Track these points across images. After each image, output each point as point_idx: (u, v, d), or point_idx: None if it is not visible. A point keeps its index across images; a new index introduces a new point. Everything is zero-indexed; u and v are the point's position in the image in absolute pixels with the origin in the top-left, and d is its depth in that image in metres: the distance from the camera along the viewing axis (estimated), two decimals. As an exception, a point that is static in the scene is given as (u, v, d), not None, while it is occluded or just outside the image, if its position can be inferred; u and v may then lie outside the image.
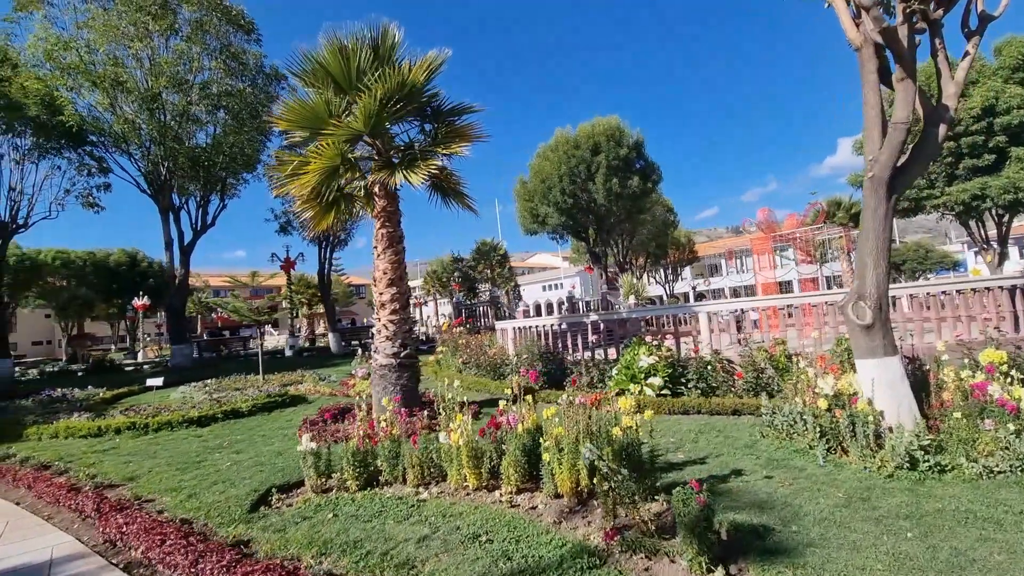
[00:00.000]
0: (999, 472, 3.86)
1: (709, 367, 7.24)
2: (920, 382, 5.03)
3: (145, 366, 19.32)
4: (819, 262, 24.83)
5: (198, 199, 18.54)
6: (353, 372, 12.21)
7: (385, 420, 4.98)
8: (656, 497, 3.91)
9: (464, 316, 20.14)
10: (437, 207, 8.38)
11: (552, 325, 11.11)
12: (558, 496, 4.07)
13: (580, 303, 28.41)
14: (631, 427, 3.96)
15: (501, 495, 4.24)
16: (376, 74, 6.68)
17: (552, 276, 72.32)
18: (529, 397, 4.78)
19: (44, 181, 17.66)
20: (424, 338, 23.90)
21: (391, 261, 7.58)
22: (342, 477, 4.69)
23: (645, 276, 50.91)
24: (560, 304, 37.79)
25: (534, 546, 3.25)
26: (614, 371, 8.03)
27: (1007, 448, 3.94)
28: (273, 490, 4.69)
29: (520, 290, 46.70)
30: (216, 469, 5.50)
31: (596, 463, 3.32)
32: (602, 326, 10.06)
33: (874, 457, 4.21)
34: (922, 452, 4.05)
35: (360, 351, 15.45)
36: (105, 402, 10.23)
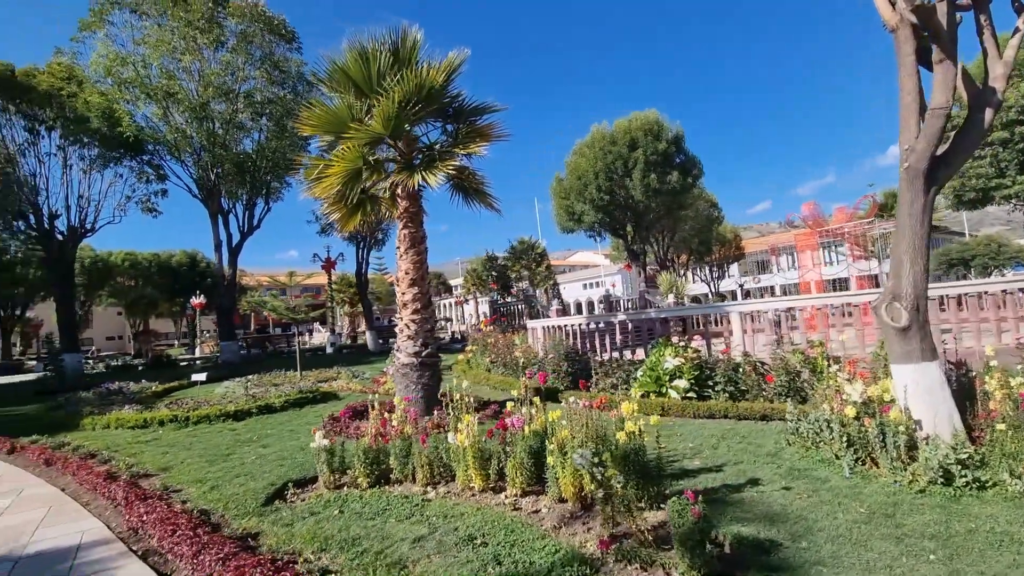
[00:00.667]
0: (1049, 491, 3.50)
1: (738, 370, 6.93)
2: (965, 390, 4.65)
3: (197, 361, 20.49)
4: (878, 258, 23.34)
5: (244, 203, 19.48)
6: (384, 370, 12.49)
7: (396, 419, 5.05)
8: (663, 505, 3.77)
9: (499, 315, 20.18)
10: (458, 206, 8.43)
11: (580, 325, 10.97)
12: (562, 500, 4.00)
13: (617, 301, 27.92)
14: (634, 432, 3.83)
15: (506, 497, 4.21)
16: (396, 77, 6.78)
17: (593, 274, 71.75)
18: (537, 399, 4.73)
19: (108, 188, 19.07)
20: (460, 336, 24.13)
21: (413, 261, 7.68)
22: (354, 475, 4.79)
23: (688, 274, 49.56)
24: (599, 302, 37.24)
25: (527, 551, 3.20)
26: (639, 372, 7.84)
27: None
28: (290, 485, 4.83)
29: (559, 288, 46.45)
30: (242, 462, 5.74)
31: (591, 470, 3.22)
32: (630, 326, 9.83)
33: (905, 470, 3.90)
34: (959, 466, 3.71)
35: (393, 349, 15.78)
36: (156, 395, 10.92)
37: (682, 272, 44.16)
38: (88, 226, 18.99)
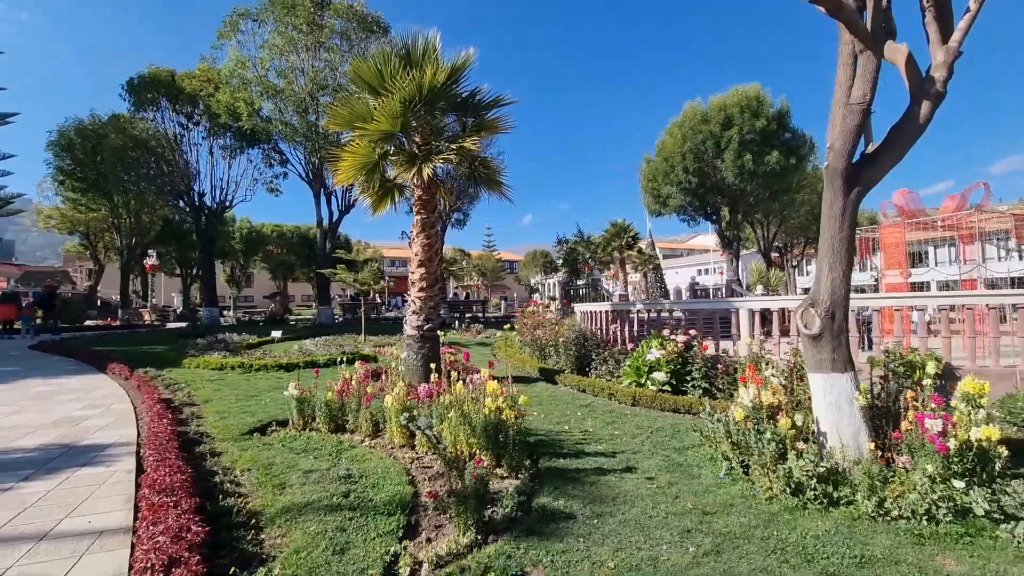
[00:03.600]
0: (899, 517, 3.34)
1: (714, 367, 6.80)
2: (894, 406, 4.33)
3: (297, 322, 23.87)
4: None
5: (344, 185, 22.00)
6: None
7: (355, 379, 5.97)
8: (520, 475, 4.22)
9: (568, 296, 20.51)
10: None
11: (606, 311, 11.10)
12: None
13: (704, 290, 26.50)
14: (495, 410, 4.27)
15: (415, 452, 4.93)
16: (407, 79, 7.55)
17: (705, 260, 68.05)
18: (482, 373, 5.32)
19: (242, 172, 22.76)
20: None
21: (423, 245, 8.52)
22: (318, 422, 5.82)
23: (804, 263, 44.73)
24: (686, 290, 35.50)
25: (376, 491, 3.87)
26: (627, 362, 7.95)
27: (915, 492, 3.36)
28: (274, 423, 6.01)
29: (664, 273, 44.81)
30: (260, 403, 7.12)
31: (426, 432, 3.79)
32: (646, 316, 9.77)
33: (767, 477, 3.89)
34: (814, 480, 3.63)
35: (457, 323, 17.04)
36: (249, 346, 13.28)
37: (795, 262, 40.05)
38: (227, 203, 22.92)
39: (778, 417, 4.13)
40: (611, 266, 45.87)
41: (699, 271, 66.46)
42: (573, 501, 3.69)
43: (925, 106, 3.87)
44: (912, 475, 3.45)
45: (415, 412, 5.05)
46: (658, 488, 3.96)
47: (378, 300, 41.52)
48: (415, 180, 8.40)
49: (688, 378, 7.10)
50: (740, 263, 29.53)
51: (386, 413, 5.32)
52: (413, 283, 8.56)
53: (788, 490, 3.68)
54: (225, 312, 35.93)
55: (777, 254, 43.08)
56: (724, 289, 24.72)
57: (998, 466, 3.49)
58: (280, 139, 20.10)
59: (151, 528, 2.83)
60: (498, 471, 4.32)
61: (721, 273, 51.88)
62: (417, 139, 8.33)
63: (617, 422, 6.01)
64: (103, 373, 9.79)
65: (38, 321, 19.19)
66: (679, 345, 7.35)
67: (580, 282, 28.82)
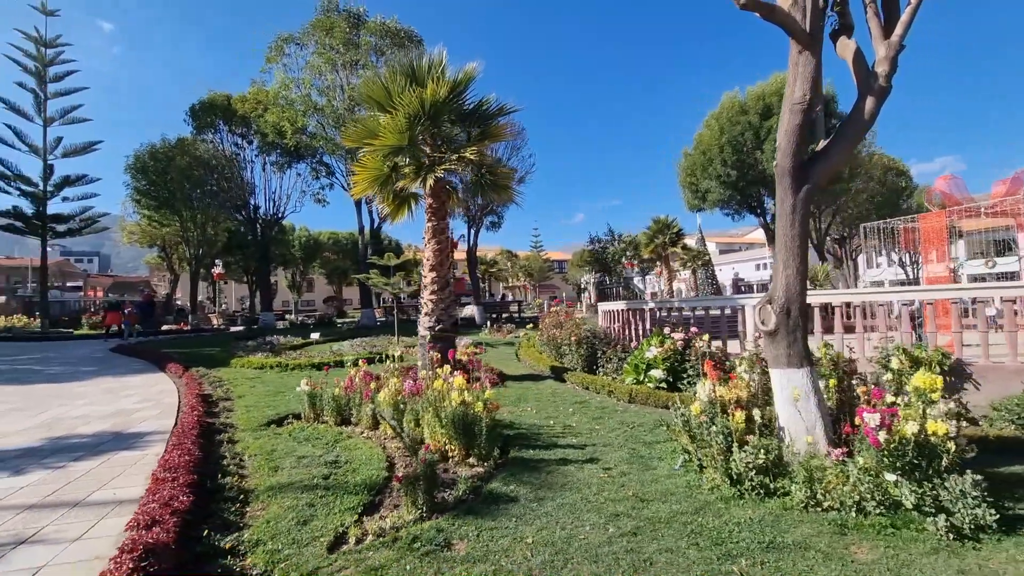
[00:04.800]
0: (830, 508, 3.42)
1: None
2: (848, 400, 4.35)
3: (344, 324, 25.21)
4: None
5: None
6: (465, 342, 14.25)
7: (358, 377, 6.52)
8: (486, 463, 4.57)
9: (602, 295, 20.53)
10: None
11: (622, 310, 11.19)
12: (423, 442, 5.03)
13: (749, 286, 25.60)
14: (463, 403, 4.64)
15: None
16: (412, 94, 8.07)
17: (764, 255, 65.50)
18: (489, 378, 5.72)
19: (292, 185, 24.38)
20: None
21: (434, 250, 9.01)
22: (326, 415, 6.41)
23: (870, 256, 41.93)
24: (730, 285, 34.30)
25: (355, 474, 4.34)
26: (628, 360, 8.08)
27: (848, 484, 3.42)
28: (291, 416, 6.67)
29: (715, 269, 43.50)
30: (284, 399, 7.83)
31: (391, 423, 4.22)
32: (658, 314, 9.80)
33: (716, 470, 4.03)
34: (752, 471, 3.76)
35: (489, 323, 17.51)
36: (292, 348, 14.35)
37: (853, 255, 37.69)
38: (280, 214, 24.61)
39: (733, 411, 4.25)
40: (657, 263, 45.03)
41: (756, 266, 63.87)
42: (522, 487, 4.00)
43: (870, 102, 3.89)
44: (847, 467, 3.51)
45: (402, 407, 5.52)
46: (609, 478, 4.19)
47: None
48: (428, 189, 8.92)
49: (684, 375, 7.16)
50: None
51: (380, 407, 5.82)
52: (425, 286, 9.07)
53: (728, 481, 3.82)
54: (287, 315, 38.43)
55: (837, 246, 40.75)
56: (768, 283, 23.81)
57: (945, 461, 3.48)
58: (324, 152, 21.44)
59: (150, 497, 3.42)
60: (469, 460, 4.69)
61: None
62: (427, 150, 8.83)
63: (604, 418, 6.21)
64: (163, 372, 10.98)
65: (137, 327, 21.52)
66: (677, 343, 7.42)
67: (611, 281, 28.55)
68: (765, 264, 60.05)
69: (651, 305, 10.02)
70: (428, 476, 3.69)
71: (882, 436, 3.38)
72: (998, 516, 3.06)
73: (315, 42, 18.88)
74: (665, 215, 38.19)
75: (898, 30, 3.76)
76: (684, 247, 39.39)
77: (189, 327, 26.24)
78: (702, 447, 4.37)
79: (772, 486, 3.70)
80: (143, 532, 2.83)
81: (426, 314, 8.95)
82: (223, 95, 22.59)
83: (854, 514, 3.34)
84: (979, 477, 3.25)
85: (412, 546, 3.06)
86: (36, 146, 24.40)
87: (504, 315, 22.94)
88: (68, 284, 64.15)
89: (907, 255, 26.75)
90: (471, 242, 23.70)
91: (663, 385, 7.22)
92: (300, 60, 19.55)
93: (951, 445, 3.49)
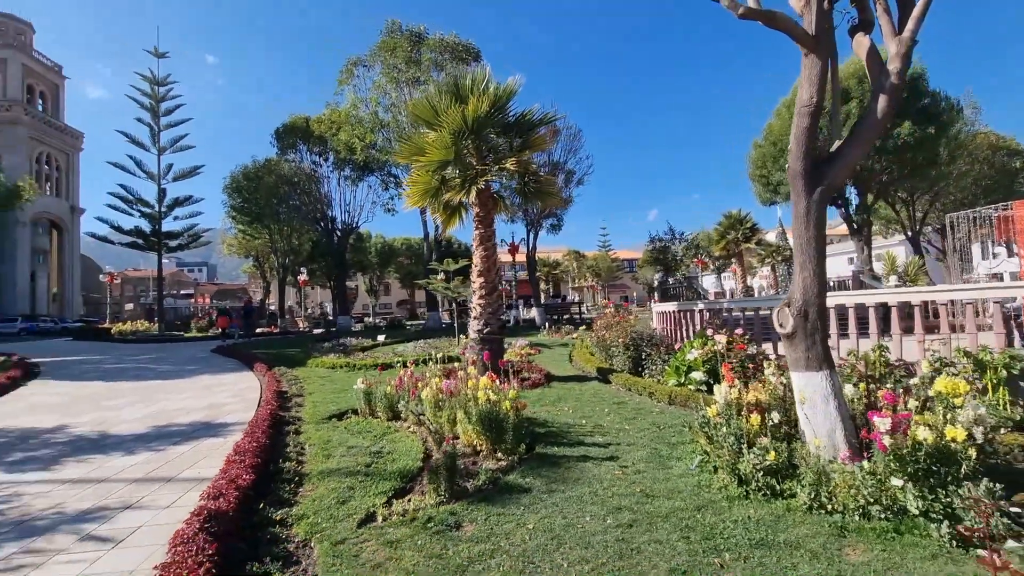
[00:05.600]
0: (833, 511, 3.44)
1: (744, 365, 6.73)
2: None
3: (412, 327, 26.53)
4: None
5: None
6: (520, 342, 14.67)
7: (407, 377, 7.09)
8: (512, 456, 4.91)
9: (665, 294, 20.16)
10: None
11: (673, 311, 11.09)
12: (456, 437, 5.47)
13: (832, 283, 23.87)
14: (488, 400, 5.01)
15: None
16: (455, 110, 8.61)
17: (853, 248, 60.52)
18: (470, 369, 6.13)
19: (365, 196, 26.10)
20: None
21: (481, 256, 9.50)
22: (379, 411, 7.05)
23: (979, 248, 37.41)
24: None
25: (394, 463, 4.85)
26: (670, 362, 8.08)
27: (851, 487, 3.41)
28: (350, 412, 7.39)
29: (789, 265, 40.91)
30: (347, 397, 8.61)
31: (419, 417, 4.67)
32: (707, 315, 9.62)
33: (727, 471, 4.11)
34: (760, 472, 3.81)
35: (547, 324, 17.81)
36: (362, 349, 15.49)
37: (957, 246, 33.77)
38: (354, 224, 26.45)
39: (748, 414, 4.30)
40: (732, 260, 42.95)
41: (849, 260, 59.02)
42: (538, 480, 4.31)
43: (883, 100, 3.81)
44: (853, 471, 3.50)
45: (441, 405, 6.00)
46: (623, 475, 4.39)
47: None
48: (475, 199, 9.43)
49: (724, 378, 7.08)
50: (866, 251, 26.00)
51: (424, 404, 6.35)
52: (473, 291, 9.58)
53: (736, 481, 3.90)
54: (366, 318, 40.97)
55: (939, 236, 36.74)
56: (851, 281, 22.08)
57: (964, 468, 3.37)
58: (391, 165, 22.83)
59: (220, 475, 4.11)
60: (497, 455, 5.05)
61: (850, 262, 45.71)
62: (472, 162, 9.34)
63: (637, 418, 6.34)
64: (251, 371, 12.35)
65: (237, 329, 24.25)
66: (719, 345, 7.34)
67: (673, 280, 27.71)
68: (853, 258, 55.40)
69: (700, 306, 9.86)
70: (449, 466, 4.10)
71: (887, 440, 3.35)
72: (1010, 524, 2.96)
73: (380, 63, 20.23)
74: (738, 209, 36.47)
75: (910, 25, 3.66)
76: (760, 242, 37.38)
77: (278, 330, 28.82)
78: (717, 448, 4.44)
79: (779, 488, 3.74)
80: (211, 502, 3.47)
81: (475, 318, 9.44)
82: (302, 117, 24.80)
83: (858, 518, 3.33)
84: (995, 485, 3.13)
85: (426, 525, 3.48)
86: (152, 172, 28.00)
87: (565, 316, 23.13)
88: (181, 292, 71.91)
89: (1007, 246, 23.71)
90: (530, 245, 24.14)
91: (703, 387, 7.18)
92: (367, 81, 21.08)
93: (972, 452, 3.38)
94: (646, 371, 8.99)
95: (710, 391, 7.14)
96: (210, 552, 2.78)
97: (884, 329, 7.80)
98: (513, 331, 20.68)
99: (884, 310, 7.60)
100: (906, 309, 8.41)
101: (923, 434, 3.34)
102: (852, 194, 23.54)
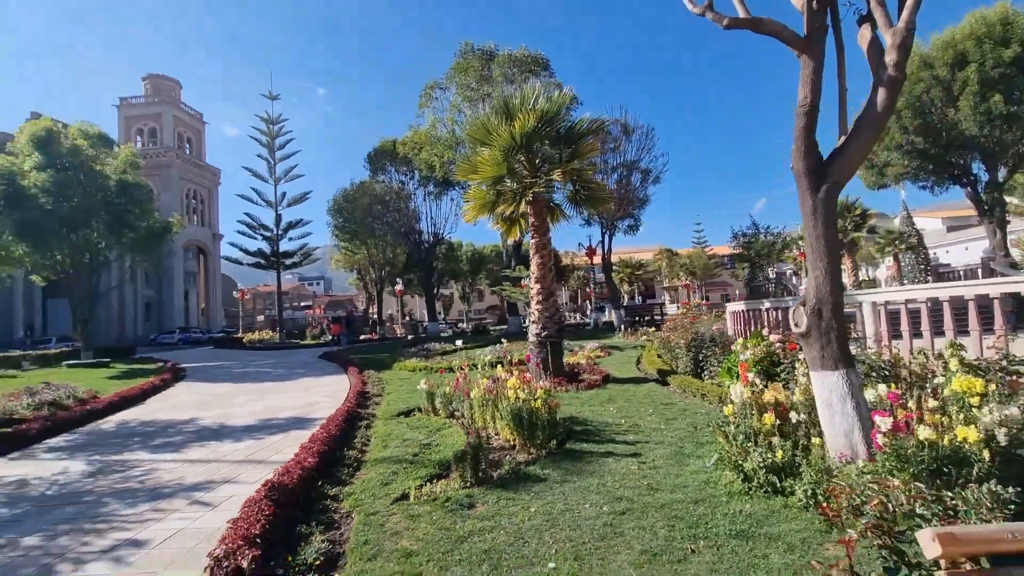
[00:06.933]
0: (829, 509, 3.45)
1: (794, 366, 6.51)
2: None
3: (495, 332, 27.50)
4: None
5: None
6: (590, 347, 14.87)
7: (463, 379, 7.75)
8: (543, 450, 5.32)
9: (748, 293, 19.17)
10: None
11: (742, 311, 10.72)
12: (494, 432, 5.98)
13: (952, 272, 21.07)
14: (517, 398, 5.46)
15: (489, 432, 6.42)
16: (504, 129, 9.20)
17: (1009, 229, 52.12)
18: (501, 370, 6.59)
19: (449, 209, 27.71)
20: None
21: (537, 264, 9.96)
22: (438, 408, 7.78)
23: None
24: (931, 272, 28.10)
25: (440, 453, 5.50)
26: (722, 363, 7.94)
27: (848, 486, 3.40)
28: (416, 410, 8.22)
29: (927, 251, 36.47)
30: (417, 397, 9.47)
31: (454, 414, 5.24)
32: (774, 314, 9.20)
33: (731, 468, 4.20)
34: (765, 471, 3.88)
35: (624, 327, 17.75)
36: (442, 354, 16.60)
37: None
38: (439, 236, 28.17)
39: (762, 413, 4.35)
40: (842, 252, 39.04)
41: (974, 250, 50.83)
42: (556, 471, 4.69)
43: (882, 92, 3.74)
44: (850, 470, 3.48)
45: (486, 403, 6.55)
46: (639, 470, 4.62)
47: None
48: (531, 210, 9.95)
49: (778, 378, 6.88)
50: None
51: (472, 403, 6.95)
52: (531, 297, 10.07)
53: (741, 478, 4.00)
54: (460, 324, 43.10)
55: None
56: (981, 269, 19.31)
57: (975, 470, 3.24)
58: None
59: (292, 459, 5.01)
60: (529, 449, 5.49)
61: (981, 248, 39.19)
62: (525, 174, 9.86)
63: (677, 419, 6.43)
64: (345, 374, 13.86)
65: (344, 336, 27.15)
66: (774, 344, 7.14)
67: (760, 277, 25.81)
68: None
69: (767, 305, 9.46)
70: (473, 456, 4.63)
71: (881, 439, 3.31)
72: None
73: (455, 84, 21.52)
74: (845, 196, 33.24)
75: (905, 15, 3.56)
76: (873, 230, 33.67)
77: (378, 337, 31.45)
78: (730, 446, 4.51)
79: (780, 485, 3.79)
80: (278, 477, 4.32)
81: (533, 322, 9.93)
82: (390, 140, 27.05)
83: (853, 518, 3.32)
84: (1010, 490, 3.00)
85: (444, 504, 4.04)
86: (270, 200, 32.03)
87: (647, 318, 22.72)
88: (301, 304, 79.95)
89: None
90: (606, 247, 24.04)
91: (755, 389, 7.01)
92: (444, 102, 22.50)
93: (986, 454, 3.23)
94: (705, 372, 8.87)
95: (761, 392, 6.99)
96: (267, 513, 3.56)
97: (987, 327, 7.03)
98: (591, 334, 20.81)
99: (966, 304, 6.87)
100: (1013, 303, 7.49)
101: (924, 433, 3.26)
102: (980, 170, 20.58)
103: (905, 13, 3.57)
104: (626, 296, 49.84)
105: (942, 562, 1.70)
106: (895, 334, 6.95)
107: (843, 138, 4.05)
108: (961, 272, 21.23)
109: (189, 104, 57.73)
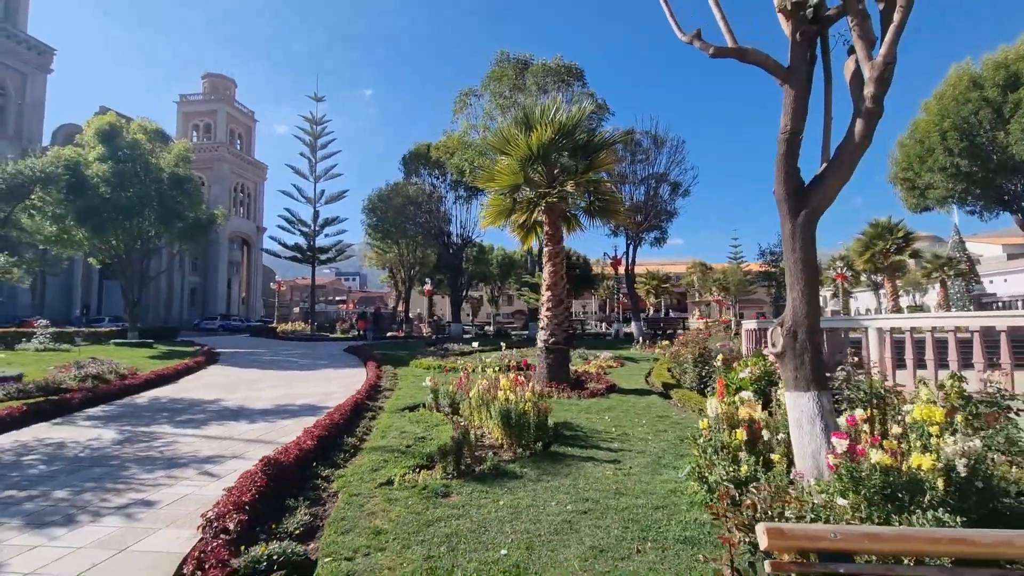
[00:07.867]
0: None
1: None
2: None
3: (517, 336, 27.78)
4: None
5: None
6: (603, 355, 14.96)
7: (465, 378, 8.06)
8: (527, 451, 5.56)
9: (774, 312, 18.77)
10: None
11: (755, 329, 10.67)
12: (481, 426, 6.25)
13: (995, 302, 20.06)
14: (507, 400, 5.72)
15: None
16: (521, 140, 9.51)
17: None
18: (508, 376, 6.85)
19: (479, 212, 28.19)
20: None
21: (549, 271, 10.20)
22: (441, 405, 8.11)
23: None
24: (974, 301, 26.72)
25: (428, 446, 5.81)
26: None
27: (800, 503, 3.52)
28: (421, 405, 8.58)
29: (978, 279, 34.80)
30: (425, 393, 9.86)
31: (446, 411, 5.55)
32: (783, 334, 9.13)
33: (696, 480, 4.35)
34: (726, 483, 4.02)
35: (642, 339, 17.72)
36: (458, 354, 16.99)
37: None
38: (468, 239, 28.71)
39: (734, 429, 4.49)
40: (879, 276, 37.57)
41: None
42: (534, 470, 4.93)
43: (859, 124, 3.85)
44: (803, 487, 3.59)
45: (482, 402, 6.84)
46: (613, 475, 4.81)
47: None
48: (546, 219, 10.22)
49: (774, 397, 6.90)
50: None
51: (472, 402, 7.25)
52: (541, 304, 10.31)
53: (704, 489, 4.15)
54: (486, 327, 43.61)
55: None
56: (1022, 301, 18.35)
57: (927, 498, 3.32)
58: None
59: (293, 440, 5.42)
60: (516, 448, 5.74)
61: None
62: (542, 183, 10.12)
63: (667, 431, 6.55)
64: (365, 368, 14.41)
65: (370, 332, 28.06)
66: (771, 364, 7.16)
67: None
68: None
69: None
70: (456, 450, 4.93)
71: (832, 460, 3.42)
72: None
73: (489, 91, 22.01)
74: (887, 217, 32.07)
75: (882, 49, 3.66)
76: (916, 255, 32.27)
77: (403, 334, 32.23)
78: (701, 459, 4.65)
79: (740, 499, 3.92)
80: (277, 455, 4.73)
81: (542, 328, 10.16)
82: (425, 144, 27.85)
83: (731, 516, 3.44)
84: (946, 517, 3.08)
85: (422, 491, 4.34)
86: (309, 197, 33.36)
87: (669, 331, 22.51)
88: (336, 298, 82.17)
89: None
90: (630, 259, 23.98)
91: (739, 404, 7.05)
92: (478, 108, 23.03)
93: (940, 483, 3.31)
94: (708, 388, 8.90)
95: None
96: (260, 484, 3.95)
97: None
98: (609, 344, 20.82)
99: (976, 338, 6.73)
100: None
101: (876, 457, 3.36)
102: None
103: (883, 47, 3.68)
104: (651, 308, 49.13)
105: (774, 553, 1.94)
106: (899, 363, 6.87)
107: (824, 165, 4.17)
108: (1005, 302, 20.21)
109: (242, 103, 60.56)
